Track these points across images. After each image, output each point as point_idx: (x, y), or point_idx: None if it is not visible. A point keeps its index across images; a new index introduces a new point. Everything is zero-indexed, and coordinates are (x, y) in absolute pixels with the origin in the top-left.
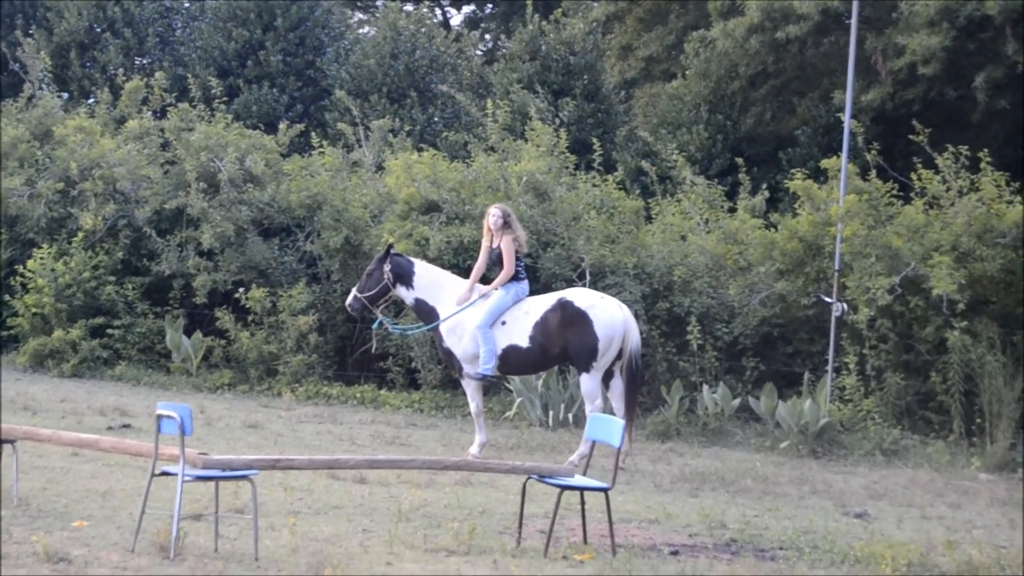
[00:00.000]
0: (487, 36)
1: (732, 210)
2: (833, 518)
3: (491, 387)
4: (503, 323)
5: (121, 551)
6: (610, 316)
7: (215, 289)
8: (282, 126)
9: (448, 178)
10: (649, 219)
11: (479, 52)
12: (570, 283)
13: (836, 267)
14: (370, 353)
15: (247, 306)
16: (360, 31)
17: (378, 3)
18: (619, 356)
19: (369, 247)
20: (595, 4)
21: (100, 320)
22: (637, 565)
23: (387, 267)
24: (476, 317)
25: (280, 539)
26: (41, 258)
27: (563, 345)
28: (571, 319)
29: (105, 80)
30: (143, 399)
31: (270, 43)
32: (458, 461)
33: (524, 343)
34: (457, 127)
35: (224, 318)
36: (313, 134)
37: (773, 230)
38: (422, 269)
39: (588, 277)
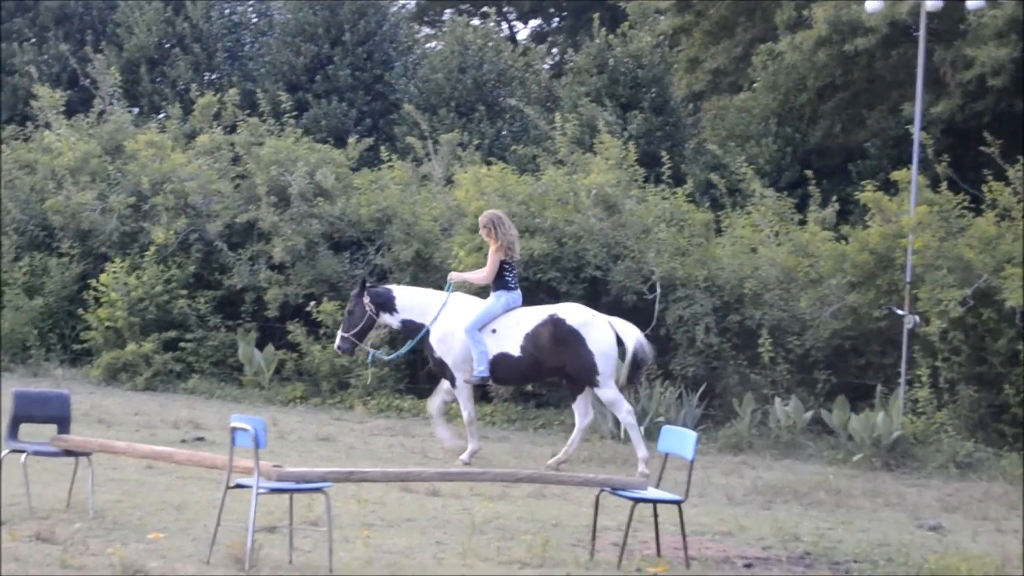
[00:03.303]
0: (554, 50)
1: (802, 222)
2: (907, 531)
3: (562, 400)
4: (493, 331)
5: (197, 563)
6: (601, 333)
7: (286, 302)
8: (351, 140)
9: (517, 191)
10: (719, 232)
11: (546, 66)
12: (641, 296)
13: (908, 279)
14: None
15: (318, 319)
16: (427, 45)
17: (445, 18)
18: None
19: (440, 260)
20: (662, 17)
21: (173, 333)
22: None
23: (366, 300)
24: (464, 321)
25: (354, 551)
26: (114, 272)
27: (560, 362)
28: (564, 337)
29: (175, 95)
30: (216, 412)
31: (338, 57)
32: (531, 473)
33: (515, 352)
34: (525, 140)
35: (296, 331)
36: (382, 148)
37: (844, 242)
38: (401, 292)
39: (659, 290)
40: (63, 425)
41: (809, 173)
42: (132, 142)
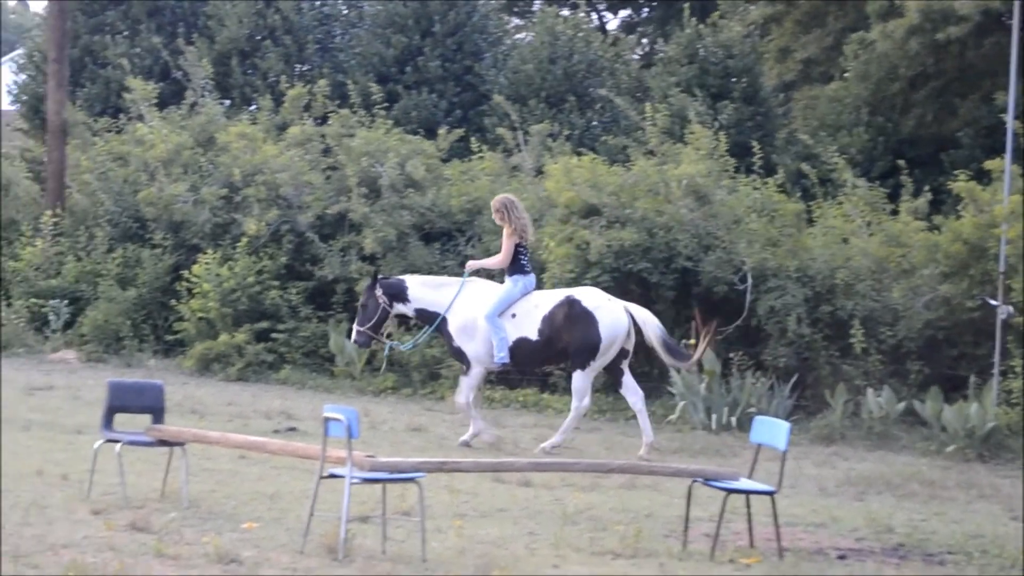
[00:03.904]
0: (644, 40)
1: (894, 212)
2: (1002, 523)
3: (653, 390)
4: (513, 315)
5: (290, 552)
6: (615, 318)
7: None
8: (441, 131)
9: (608, 182)
10: (810, 222)
11: (636, 56)
12: (732, 287)
13: (1001, 269)
14: None
15: None
16: (517, 36)
17: (535, 8)
18: (623, 355)
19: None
20: (752, 7)
21: (264, 324)
22: (804, 569)
23: (379, 292)
24: (485, 308)
25: (447, 541)
26: (206, 263)
27: (567, 342)
28: (577, 318)
29: (266, 87)
30: (308, 402)
31: (428, 49)
32: (623, 464)
33: (534, 336)
34: (615, 131)
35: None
36: (472, 139)
37: (936, 232)
38: (413, 281)
39: (750, 281)
40: (157, 415)
41: (901, 163)
42: (224, 134)
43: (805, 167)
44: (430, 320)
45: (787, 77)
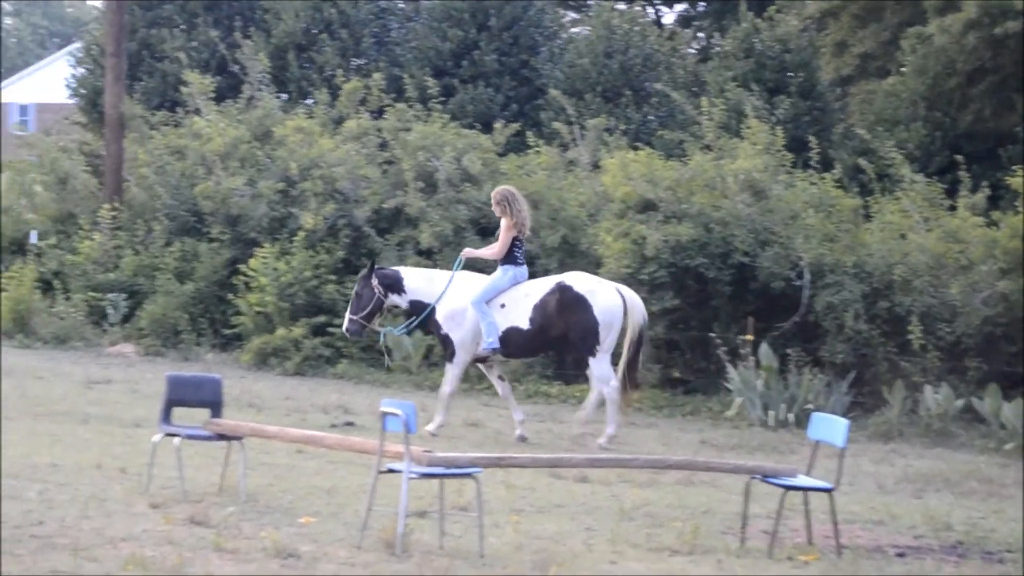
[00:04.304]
0: (700, 34)
1: (952, 208)
2: None
3: (710, 386)
4: (502, 305)
5: (348, 547)
6: (609, 300)
7: None
8: (498, 125)
9: (664, 176)
10: (868, 217)
11: (692, 50)
12: (789, 282)
13: None
14: None
15: None
16: (573, 30)
17: (591, 2)
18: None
19: (586, 246)
20: (809, 1)
21: (322, 319)
22: (863, 566)
23: (375, 282)
24: (472, 294)
25: (504, 537)
26: (263, 257)
27: (563, 329)
28: (570, 303)
29: (322, 81)
30: (365, 397)
31: (484, 43)
32: (681, 460)
33: (525, 325)
34: (672, 126)
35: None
36: (528, 133)
37: (994, 228)
38: (409, 273)
39: (807, 276)
40: (215, 409)
41: (959, 158)
42: (280, 128)
43: (862, 162)
44: (422, 311)
45: (844, 72)
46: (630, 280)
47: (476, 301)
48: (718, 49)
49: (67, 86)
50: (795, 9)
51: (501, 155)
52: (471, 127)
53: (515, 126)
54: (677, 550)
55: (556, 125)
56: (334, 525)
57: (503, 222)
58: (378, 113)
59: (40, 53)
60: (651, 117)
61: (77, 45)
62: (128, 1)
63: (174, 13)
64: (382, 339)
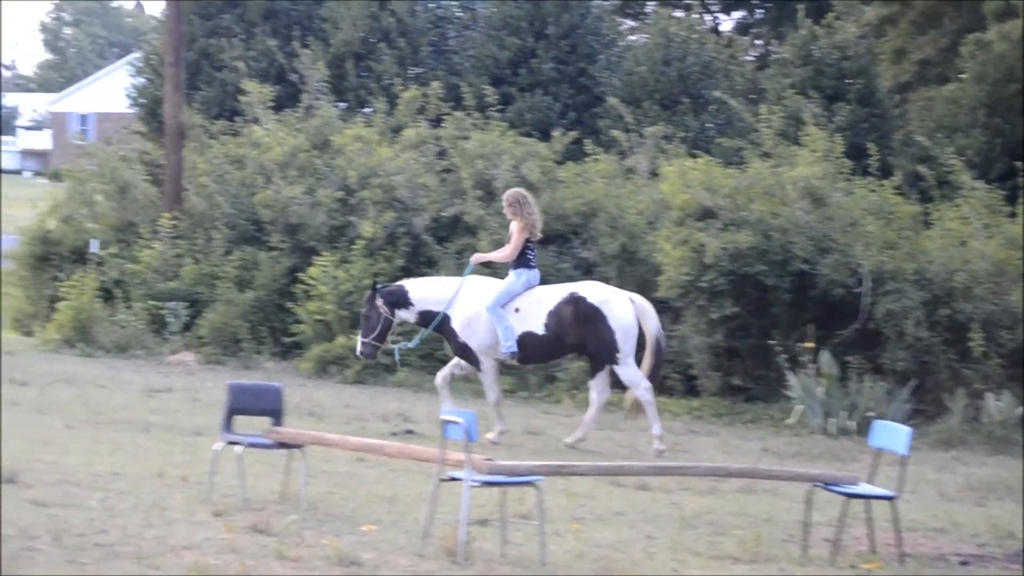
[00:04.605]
0: (758, 41)
1: (1012, 215)
2: None
3: (770, 394)
4: (516, 310)
5: (409, 555)
6: (623, 310)
7: None
8: (556, 133)
9: (723, 184)
10: (928, 224)
11: (750, 57)
12: (849, 290)
13: None
14: None
15: None
16: (631, 38)
17: (648, 10)
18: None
19: (645, 253)
20: (867, 8)
21: None
22: (927, 574)
23: (379, 302)
24: (487, 300)
25: (565, 545)
26: (323, 266)
27: (579, 338)
28: (585, 315)
29: (380, 89)
30: (425, 405)
31: (542, 51)
32: (742, 468)
33: (540, 330)
34: (730, 133)
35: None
36: (586, 141)
37: None
38: (413, 285)
39: (867, 283)
40: (277, 418)
41: (1019, 165)
42: (339, 136)
43: (922, 169)
44: (433, 319)
45: (903, 78)
46: (689, 288)
47: (491, 306)
48: (776, 56)
49: (127, 96)
50: (853, 16)
51: (559, 163)
52: (529, 135)
53: (573, 134)
54: (739, 558)
55: (614, 133)
56: (395, 533)
57: (515, 224)
58: (436, 121)
59: (99, 63)
60: (709, 124)
61: (136, 55)
62: (187, 8)
63: (233, 23)
64: (396, 355)
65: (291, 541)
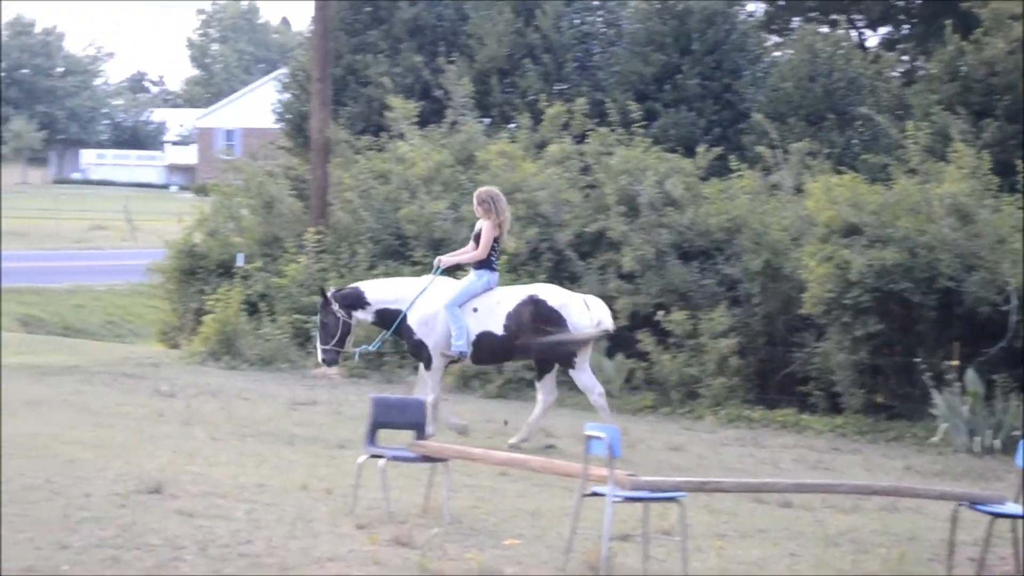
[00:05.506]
0: (904, 57)
1: None
2: None
3: (915, 412)
4: (475, 310)
5: (552, 570)
6: (580, 314)
7: (636, 312)
8: (700, 149)
9: (869, 200)
10: None
11: (897, 73)
12: (996, 308)
13: None
14: (792, 376)
15: (667, 329)
16: (776, 54)
17: (794, 26)
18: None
19: (790, 270)
20: (1017, 23)
21: None
22: None
23: (335, 307)
24: (445, 297)
25: (708, 561)
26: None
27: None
28: (545, 318)
29: (525, 105)
30: (566, 420)
31: (687, 67)
32: (887, 486)
33: (499, 331)
34: (876, 149)
35: (645, 341)
36: (731, 157)
37: None
38: (369, 285)
39: (1015, 302)
40: (420, 431)
41: None
42: (483, 152)
43: None
44: (390, 320)
45: None
46: (834, 304)
47: (449, 305)
48: (923, 72)
49: (273, 111)
50: (1002, 32)
51: (703, 179)
52: (673, 151)
53: (717, 150)
54: None
55: (759, 149)
56: (538, 548)
57: (485, 223)
58: (580, 137)
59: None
60: (855, 141)
61: (283, 71)
62: (334, 25)
63: (379, 39)
64: (356, 358)
65: (434, 554)
